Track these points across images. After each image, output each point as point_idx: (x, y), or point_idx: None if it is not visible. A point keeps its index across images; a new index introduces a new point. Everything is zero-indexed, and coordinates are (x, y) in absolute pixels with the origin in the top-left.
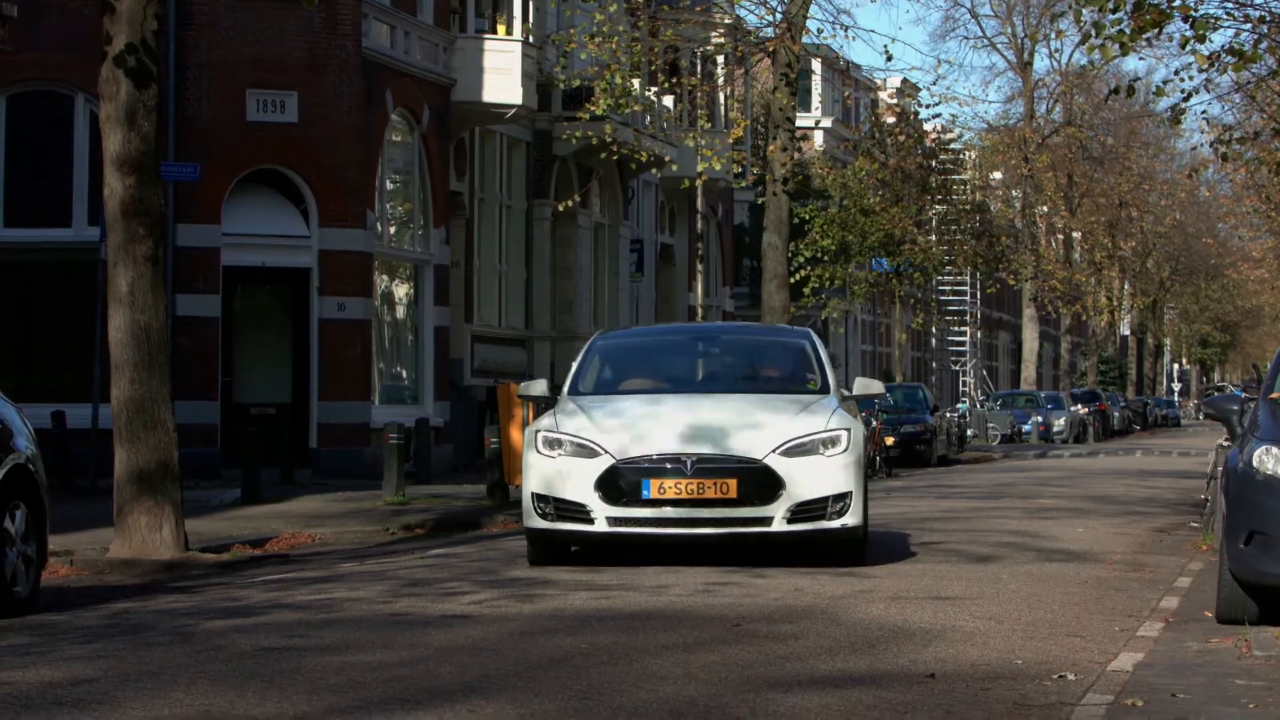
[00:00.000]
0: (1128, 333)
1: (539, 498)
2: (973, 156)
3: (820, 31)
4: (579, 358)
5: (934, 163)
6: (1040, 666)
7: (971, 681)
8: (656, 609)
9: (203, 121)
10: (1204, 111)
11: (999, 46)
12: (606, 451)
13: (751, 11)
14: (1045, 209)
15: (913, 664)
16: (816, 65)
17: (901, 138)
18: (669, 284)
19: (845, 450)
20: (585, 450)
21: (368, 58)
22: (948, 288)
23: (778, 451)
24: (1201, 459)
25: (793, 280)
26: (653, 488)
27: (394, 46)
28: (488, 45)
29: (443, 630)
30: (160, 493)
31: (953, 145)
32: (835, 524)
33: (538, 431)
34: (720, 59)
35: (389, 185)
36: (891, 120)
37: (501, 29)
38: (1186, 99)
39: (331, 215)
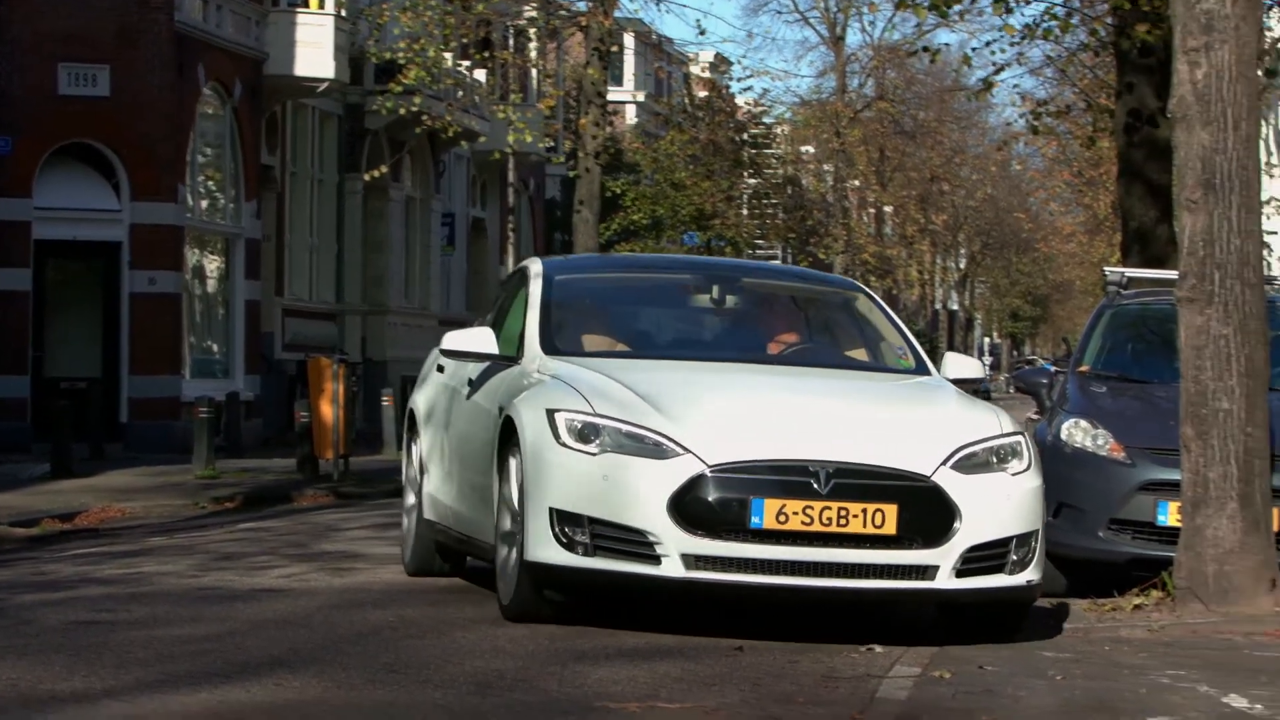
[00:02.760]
0: (940, 306)
1: (565, 518)
2: (785, 131)
3: (634, 5)
4: (531, 296)
5: (746, 137)
6: (848, 638)
7: (779, 654)
8: (463, 584)
9: (14, 95)
10: (1016, 85)
11: (811, 21)
12: (688, 449)
13: None
14: (857, 183)
15: (721, 637)
16: (629, 39)
17: (714, 113)
18: (481, 257)
19: (1030, 467)
20: (647, 445)
21: (180, 31)
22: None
23: (950, 464)
24: None
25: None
26: (767, 512)
27: (206, 20)
28: (300, 19)
29: (251, 604)
30: None
31: (765, 119)
32: (1017, 580)
33: (555, 412)
34: (533, 33)
35: (200, 159)
36: (704, 94)
37: (314, 3)
38: (997, 71)
39: (143, 189)
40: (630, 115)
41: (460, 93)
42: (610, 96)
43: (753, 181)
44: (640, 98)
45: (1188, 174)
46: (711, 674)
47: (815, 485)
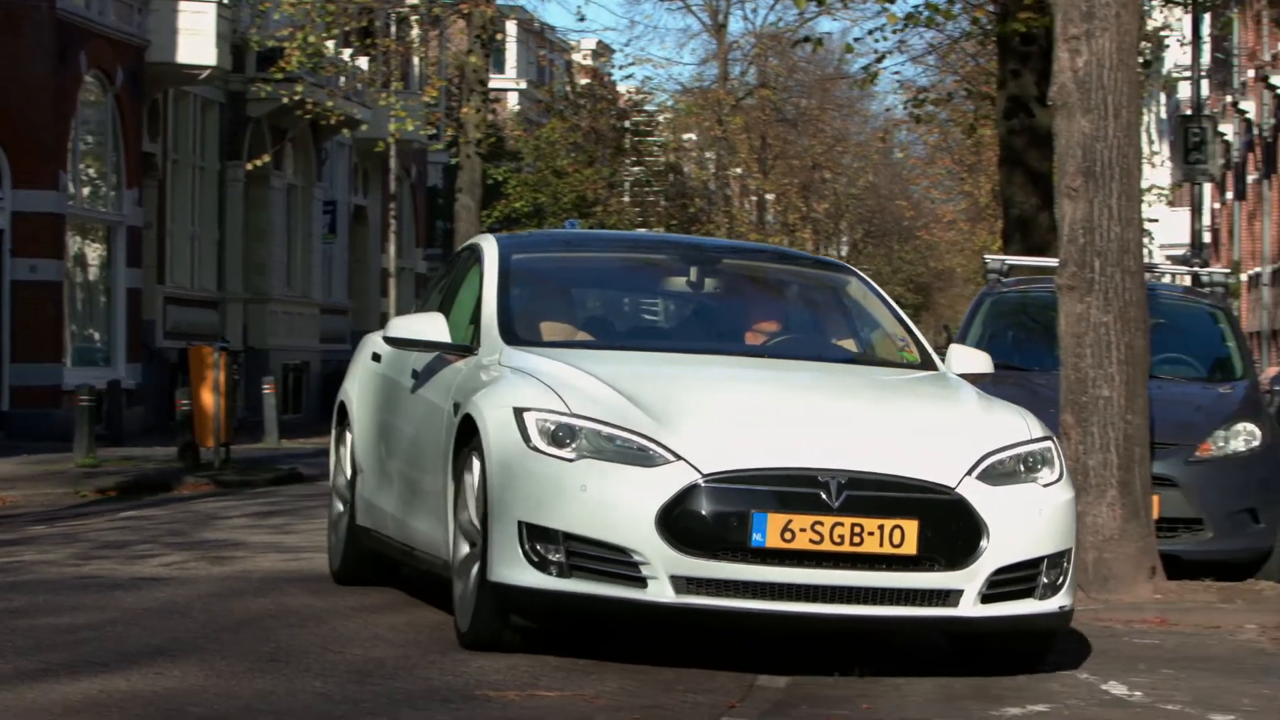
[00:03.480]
0: None
1: (536, 533)
2: (667, 118)
3: None
4: (486, 278)
5: (628, 124)
6: None
7: (662, 642)
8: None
9: None
10: (897, 73)
11: (694, 8)
12: (679, 455)
13: None
14: (739, 171)
15: None
16: (511, 27)
17: (596, 100)
18: (362, 245)
19: (1061, 477)
20: (631, 450)
21: (62, 18)
22: None
23: (976, 474)
24: None
25: None
26: (770, 529)
27: (88, 7)
28: (182, 6)
29: (132, 593)
30: None
31: (647, 107)
32: (1048, 606)
33: (525, 411)
34: (415, 20)
35: (82, 147)
36: (586, 82)
37: None
38: (880, 60)
39: (24, 176)
40: (512, 103)
41: (342, 80)
42: (492, 84)
43: (635, 169)
44: (522, 85)
45: (1068, 162)
46: (591, 662)
47: (825, 498)
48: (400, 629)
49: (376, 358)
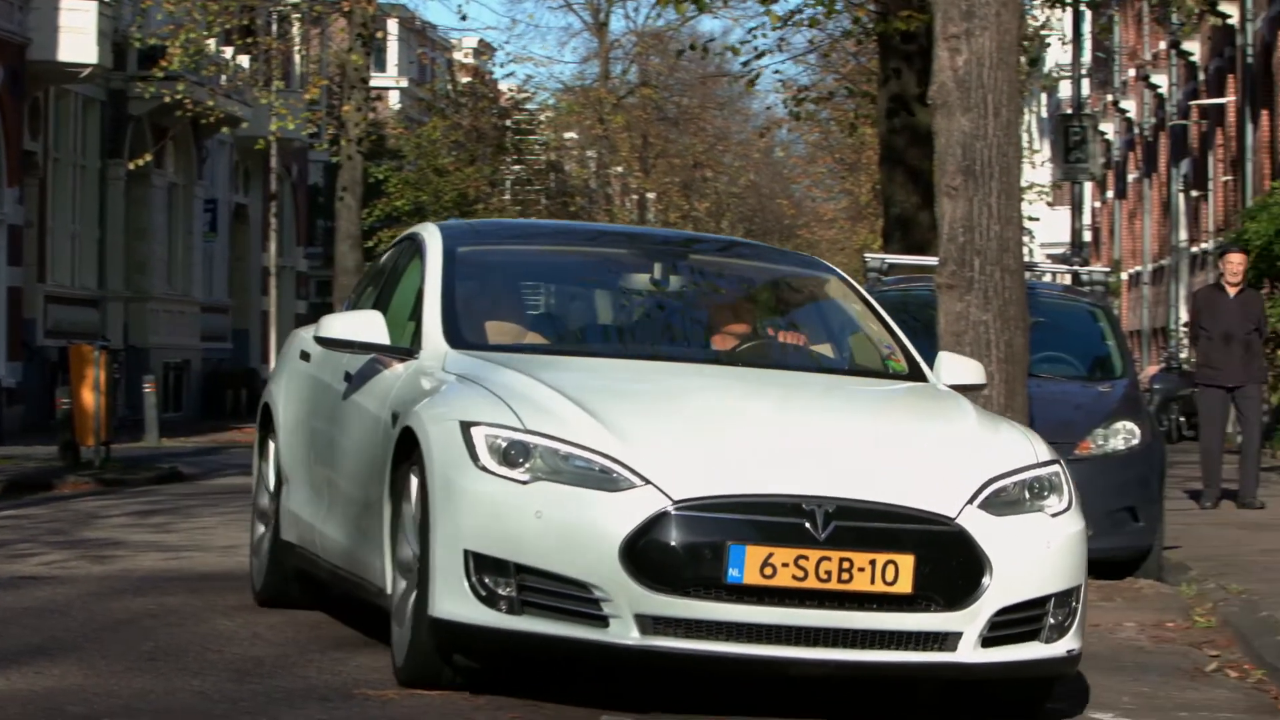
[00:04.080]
0: None
1: (484, 564)
2: (548, 117)
3: None
4: (429, 274)
5: (509, 123)
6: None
7: None
8: (226, 569)
9: None
10: (777, 72)
11: (575, 7)
12: (647, 479)
13: None
14: (620, 169)
15: None
16: (392, 25)
17: (477, 99)
18: (243, 244)
19: (1071, 506)
20: (593, 472)
21: None
22: None
23: (978, 502)
24: None
25: (368, 242)
26: (749, 563)
27: None
28: (63, 4)
29: (11, 592)
30: None
31: (528, 106)
32: (1055, 650)
33: (473, 426)
34: (296, 18)
35: None
36: (467, 80)
37: None
38: (759, 57)
39: None
40: (393, 101)
41: (224, 79)
42: (373, 82)
43: (516, 167)
44: (403, 84)
45: (948, 160)
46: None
47: (811, 528)
48: (279, 628)
49: (305, 356)
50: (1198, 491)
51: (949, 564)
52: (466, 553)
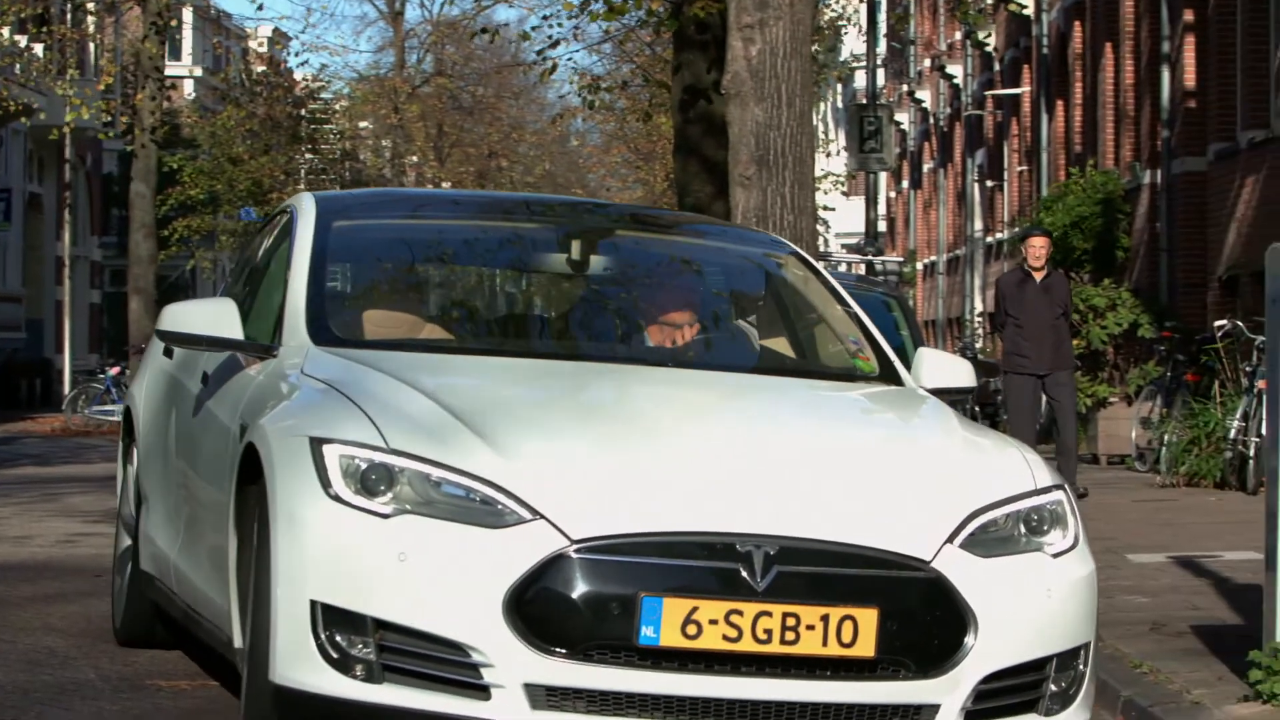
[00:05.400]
0: None
1: (336, 618)
2: (343, 106)
3: None
4: (296, 252)
5: (304, 112)
6: None
7: None
8: (19, 560)
9: None
10: (571, 61)
11: None
12: (539, 512)
13: None
14: (415, 159)
15: None
16: (187, 13)
17: (271, 88)
18: (37, 233)
19: (1076, 543)
20: (472, 504)
21: None
22: None
23: (959, 540)
24: None
25: (163, 232)
26: (667, 619)
27: None
28: None
29: None
30: None
31: (323, 95)
32: None
33: (324, 443)
34: (91, 6)
35: None
36: (261, 69)
37: None
38: (553, 46)
39: None
40: (188, 90)
41: (17, 68)
42: (168, 71)
43: (311, 156)
44: (198, 72)
45: (741, 150)
46: None
47: (747, 575)
48: (73, 618)
49: (169, 352)
50: None
51: (922, 619)
52: (314, 603)
